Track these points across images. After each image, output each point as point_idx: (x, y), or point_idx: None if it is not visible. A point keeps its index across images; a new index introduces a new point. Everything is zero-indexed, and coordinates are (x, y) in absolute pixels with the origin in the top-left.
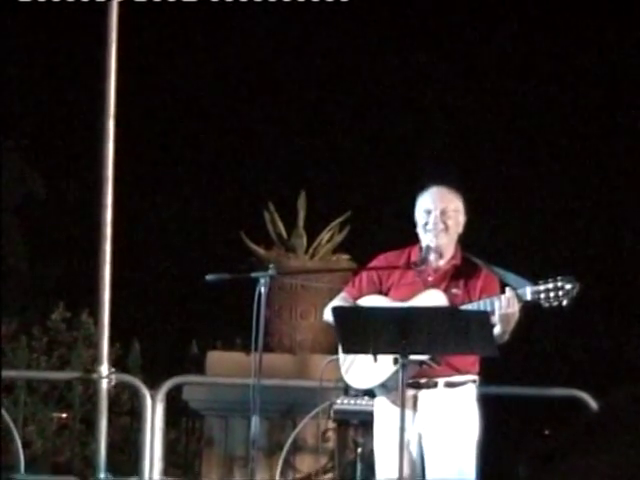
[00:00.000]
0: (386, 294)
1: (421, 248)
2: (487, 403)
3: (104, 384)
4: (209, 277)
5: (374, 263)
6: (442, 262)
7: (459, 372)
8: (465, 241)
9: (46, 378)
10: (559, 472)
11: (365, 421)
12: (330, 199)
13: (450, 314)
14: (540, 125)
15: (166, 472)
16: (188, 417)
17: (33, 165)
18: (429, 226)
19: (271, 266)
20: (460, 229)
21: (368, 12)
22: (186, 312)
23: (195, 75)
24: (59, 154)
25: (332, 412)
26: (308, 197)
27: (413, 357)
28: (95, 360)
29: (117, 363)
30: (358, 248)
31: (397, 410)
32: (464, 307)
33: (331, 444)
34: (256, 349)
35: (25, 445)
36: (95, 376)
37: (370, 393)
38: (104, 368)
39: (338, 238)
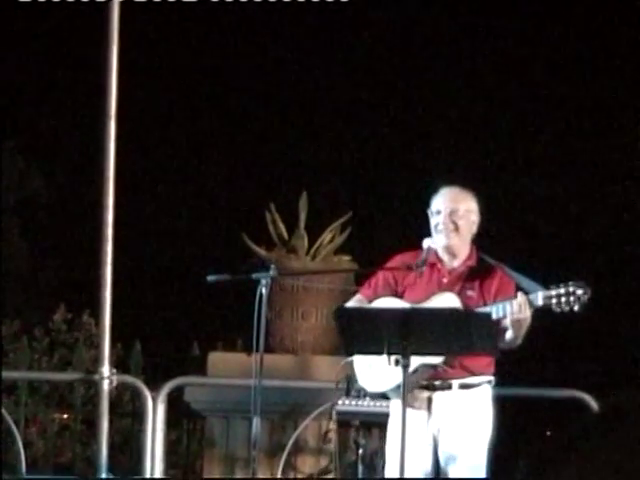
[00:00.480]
0: (401, 295)
1: (436, 250)
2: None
3: (105, 385)
4: (210, 278)
5: (389, 263)
6: (456, 263)
7: (474, 374)
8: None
9: (47, 379)
10: (559, 473)
11: (366, 422)
12: (331, 200)
13: (451, 315)
14: (549, 128)
15: (167, 473)
16: (189, 418)
17: (34, 166)
18: (440, 227)
19: (272, 267)
20: (474, 229)
21: (370, 12)
22: (187, 313)
23: (197, 76)
24: (60, 155)
25: (333, 413)
26: (309, 198)
27: (426, 361)
28: (96, 361)
29: (118, 364)
30: (359, 249)
31: (413, 411)
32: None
33: (332, 445)
34: (257, 350)
35: (26, 446)
36: (96, 377)
37: (385, 396)
38: (105, 369)
39: (339, 239)
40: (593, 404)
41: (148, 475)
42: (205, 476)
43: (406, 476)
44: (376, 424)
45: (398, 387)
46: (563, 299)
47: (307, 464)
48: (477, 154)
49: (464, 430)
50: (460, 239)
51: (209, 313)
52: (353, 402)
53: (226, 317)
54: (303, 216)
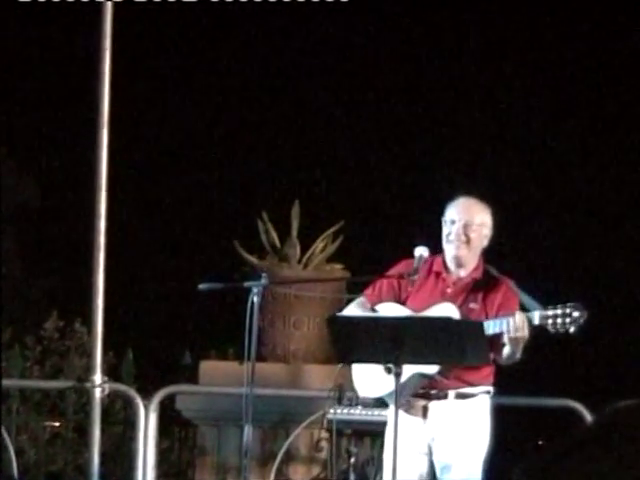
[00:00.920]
0: (404, 302)
1: (444, 258)
2: None
3: (97, 393)
4: (202, 286)
5: (396, 268)
6: (462, 273)
7: (471, 385)
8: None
9: (39, 387)
10: None
11: (358, 431)
12: (324, 209)
13: (442, 324)
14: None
15: None
16: (181, 426)
17: (28, 173)
18: (451, 236)
19: (264, 275)
20: (485, 243)
21: (368, 13)
22: (179, 321)
23: (189, 82)
24: (54, 163)
25: (325, 421)
26: (302, 207)
27: (421, 370)
28: (88, 369)
29: (110, 372)
30: (351, 258)
31: (408, 419)
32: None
33: (324, 454)
34: (249, 358)
35: (18, 454)
36: (88, 385)
37: (382, 402)
38: (97, 377)
39: (331, 248)
40: (586, 414)
41: None
42: None
43: None
44: (368, 433)
45: (393, 393)
46: (559, 320)
47: (299, 473)
48: (475, 164)
49: (459, 440)
50: (470, 251)
51: (201, 321)
52: (345, 411)
53: (218, 326)
54: (295, 225)
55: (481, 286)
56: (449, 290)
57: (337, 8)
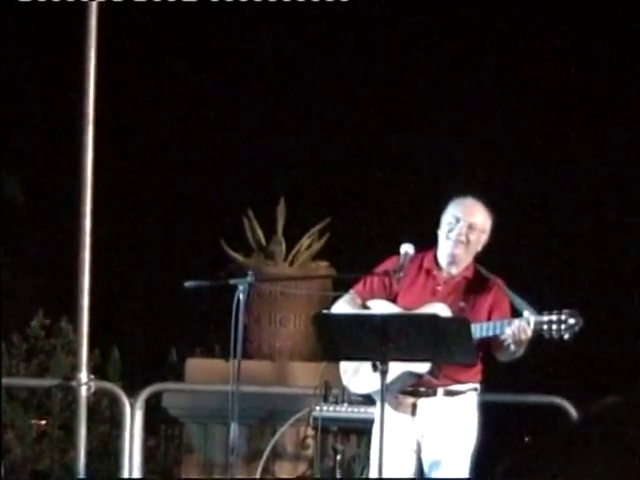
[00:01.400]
0: (394, 299)
1: (435, 254)
2: None
3: (83, 391)
4: (188, 284)
5: (382, 265)
6: (454, 271)
7: (459, 382)
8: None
9: (25, 385)
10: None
11: (344, 428)
12: (309, 206)
13: (428, 321)
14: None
15: (145, 479)
16: (167, 424)
17: (11, 171)
18: (452, 234)
19: (250, 273)
20: (479, 248)
21: (363, 12)
22: (165, 319)
23: (176, 80)
24: (38, 160)
25: (311, 419)
26: (287, 204)
27: (411, 369)
28: (74, 367)
29: (96, 370)
30: (337, 255)
31: (396, 416)
32: (477, 324)
33: (310, 451)
34: (235, 356)
35: (4, 452)
36: (74, 383)
37: (364, 401)
38: (83, 375)
39: (317, 245)
40: (572, 411)
41: None
42: None
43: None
44: (354, 430)
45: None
46: (554, 326)
47: (285, 470)
48: (463, 163)
49: (447, 437)
50: (466, 252)
51: (187, 319)
52: (331, 408)
53: (204, 323)
54: (281, 222)
55: (472, 286)
56: (439, 288)
57: (320, 7)
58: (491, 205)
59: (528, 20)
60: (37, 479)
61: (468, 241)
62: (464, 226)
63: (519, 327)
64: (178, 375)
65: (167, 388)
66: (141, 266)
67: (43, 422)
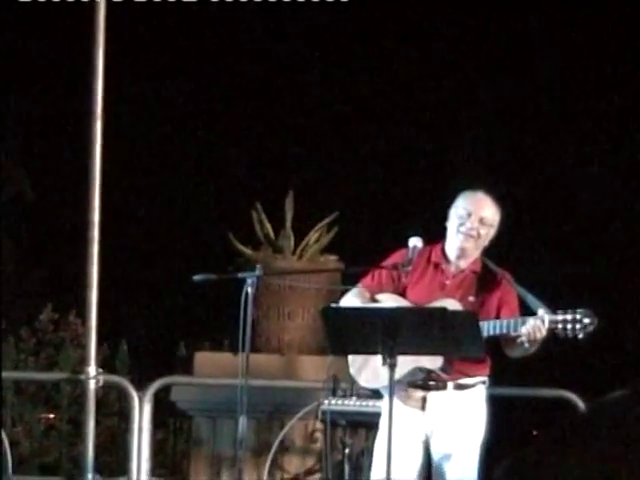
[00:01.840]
0: (403, 292)
1: (443, 248)
2: None
3: (92, 385)
4: (197, 277)
5: (390, 259)
6: (463, 264)
7: (468, 375)
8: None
9: (34, 379)
10: (544, 473)
11: (353, 422)
12: (318, 200)
13: (437, 315)
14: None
15: (154, 472)
16: (176, 418)
17: (21, 165)
18: (463, 228)
19: (258, 266)
20: (487, 243)
21: (365, 11)
22: (174, 313)
23: (183, 74)
24: (47, 155)
25: (320, 413)
26: (296, 198)
27: (423, 364)
28: (83, 361)
29: (105, 364)
30: (346, 249)
31: (406, 410)
32: (490, 322)
33: (319, 445)
34: (243, 350)
35: (12, 446)
36: (83, 377)
37: (373, 395)
38: (92, 369)
39: (326, 239)
40: (581, 404)
41: (134, 475)
42: (192, 476)
43: (394, 474)
44: (362, 424)
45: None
46: (569, 325)
47: (293, 464)
48: (470, 156)
49: (458, 430)
50: (475, 246)
51: (195, 313)
52: (339, 402)
53: (213, 317)
54: (289, 216)
55: (480, 280)
56: (448, 282)
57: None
58: (500, 200)
59: (528, 20)
60: (45, 473)
61: (479, 235)
62: (475, 220)
63: (534, 326)
64: (187, 369)
65: (176, 382)
66: (150, 260)
67: (51, 416)
